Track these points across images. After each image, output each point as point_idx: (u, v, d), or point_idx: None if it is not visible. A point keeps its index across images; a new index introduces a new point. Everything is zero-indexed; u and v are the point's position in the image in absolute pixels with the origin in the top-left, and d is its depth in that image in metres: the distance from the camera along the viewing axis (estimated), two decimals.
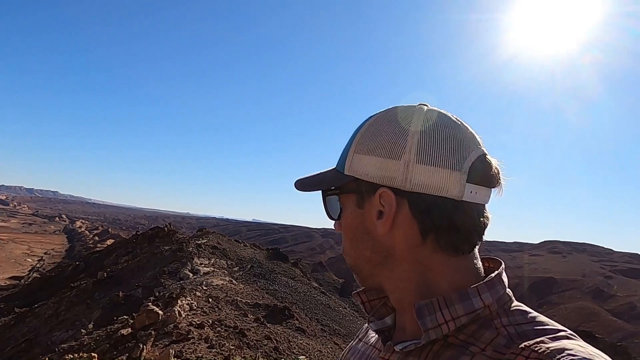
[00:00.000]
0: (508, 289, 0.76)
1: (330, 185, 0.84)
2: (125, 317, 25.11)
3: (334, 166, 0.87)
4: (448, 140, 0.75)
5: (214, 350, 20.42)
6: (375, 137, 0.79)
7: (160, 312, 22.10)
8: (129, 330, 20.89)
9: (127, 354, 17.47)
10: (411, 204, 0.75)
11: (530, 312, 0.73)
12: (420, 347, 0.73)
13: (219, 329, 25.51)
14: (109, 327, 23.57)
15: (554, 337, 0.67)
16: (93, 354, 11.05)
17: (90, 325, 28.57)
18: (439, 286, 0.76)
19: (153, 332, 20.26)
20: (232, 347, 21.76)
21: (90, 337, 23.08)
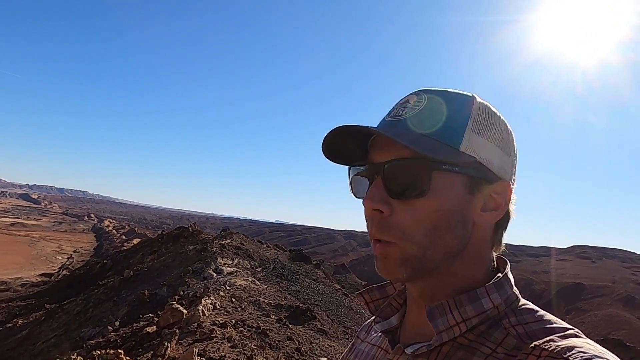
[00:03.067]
0: (515, 288, 0.76)
1: (446, 157, 0.71)
2: (150, 315, 25.60)
3: (421, 132, 0.73)
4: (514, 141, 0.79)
5: (236, 349, 20.63)
6: (492, 125, 0.76)
7: (184, 310, 22.43)
8: (154, 328, 21.29)
9: (152, 352, 17.78)
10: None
11: (537, 311, 0.73)
12: (430, 349, 0.72)
13: (241, 328, 25.76)
14: (135, 324, 24.07)
15: (563, 335, 0.67)
16: (119, 351, 11.28)
17: (117, 323, 29.24)
18: (477, 281, 0.75)
19: (177, 331, 20.60)
20: (255, 347, 21.94)
21: (116, 334, 23.60)
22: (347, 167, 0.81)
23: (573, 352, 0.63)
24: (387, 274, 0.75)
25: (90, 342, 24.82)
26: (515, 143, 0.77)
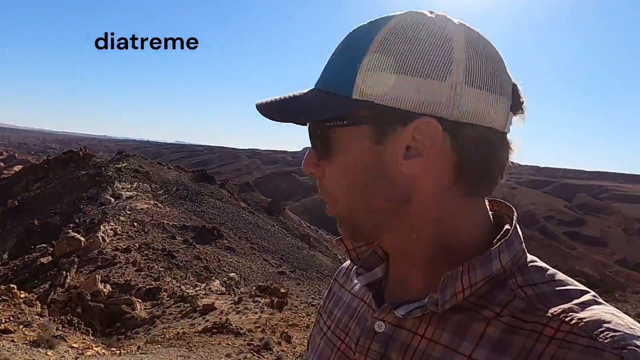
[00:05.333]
0: (523, 243, 0.66)
1: (331, 113, 0.62)
2: (43, 245, 24.13)
3: (317, 86, 0.67)
4: (493, 58, 0.62)
5: (142, 273, 20.51)
6: (407, 49, 0.60)
7: (82, 238, 21.51)
8: (49, 258, 20.28)
9: (49, 282, 17.05)
10: (455, 137, 0.60)
11: (547, 269, 0.63)
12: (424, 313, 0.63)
13: (146, 252, 25.50)
14: (27, 256, 22.69)
15: (582, 303, 0.57)
16: (12, 285, 10.61)
17: (5, 256, 27.18)
18: (460, 235, 0.64)
19: (76, 259, 19.88)
20: (162, 269, 22.00)
21: (5, 268, 22.16)
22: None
23: (601, 328, 0.53)
24: (340, 232, 0.71)
25: None
26: (468, 53, 0.60)
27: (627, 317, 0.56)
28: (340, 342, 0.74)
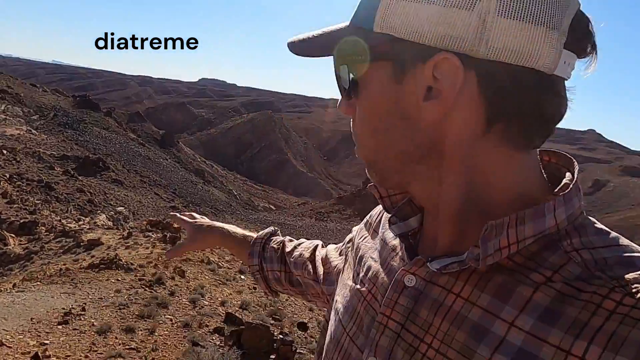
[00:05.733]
0: (582, 200, 0.58)
1: (351, 50, 0.57)
2: None
3: (351, 19, 0.60)
4: None
5: (15, 205, 18.73)
6: None
7: None
8: None
9: None
10: (483, 78, 0.52)
11: (609, 232, 0.55)
12: (462, 268, 0.56)
13: (19, 183, 23.24)
14: None
15: None
16: None
17: None
18: (493, 191, 0.57)
19: None
20: (38, 202, 20.26)
21: None
22: None
23: None
24: (370, 177, 0.66)
25: None
26: None
27: None
28: (367, 292, 0.69)
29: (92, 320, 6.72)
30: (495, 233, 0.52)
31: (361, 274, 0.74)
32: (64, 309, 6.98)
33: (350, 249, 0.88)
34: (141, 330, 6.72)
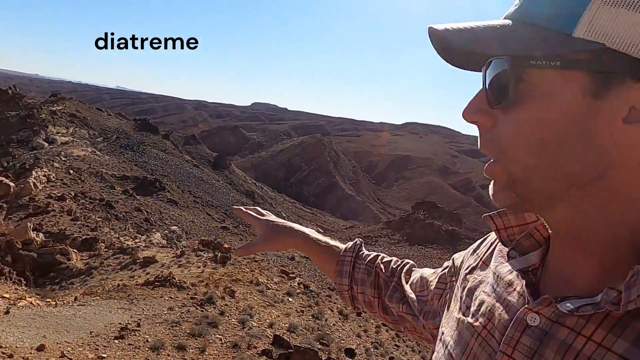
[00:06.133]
0: None
1: (541, 50, 0.50)
2: None
3: (514, 17, 0.55)
4: None
5: (78, 222, 19.74)
6: None
7: (11, 183, 20.29)
8: None
9: None
10: None
11: None
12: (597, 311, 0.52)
13: (82, 201, 24.53)
14: None
15: None
16: None
17: None
18: None
19: (4, 205, 18.76)
20: (99, 219, 21.27)
21: None
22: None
23: None
24: (492, 198, 0.59)
25: None
26: None
27: None
28: (482, 327, 0.66)
29: (147, 336, 6.91)
30: (637, 279, 0.49)
31: (472, 308, 0.70)
32: (120, 323, 7.23)
33: (452, 277, 0.86)
34: (192, 349, 6.84)
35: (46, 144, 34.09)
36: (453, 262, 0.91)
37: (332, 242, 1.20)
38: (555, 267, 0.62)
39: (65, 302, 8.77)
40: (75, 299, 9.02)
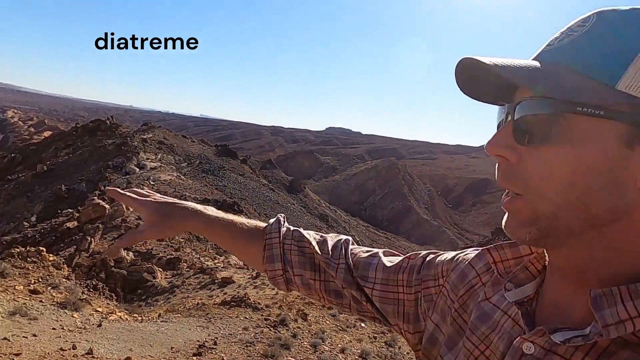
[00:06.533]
0: None
1: (586, 98, 0.53)
2: (70, 210, 24.82)
3: (553, 61, 0.57)
4: None
5: (164, 243, 20.96)
6: None
7: (106, 206, 22.04)
8: (75, 223, 20.88)
9: (74, 247, 17.58)
10: None
11: None
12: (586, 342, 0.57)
13: None
14: (53, 220, 23.39)
15: None
16: (41, 248, 10.96)
17: (33, 218, 28.08)
18: None
19: (100, 226, 20.42)
20: (182, 240, 22.44)
21: (34, 230, 22.93)
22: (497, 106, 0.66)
23: None
24: (510, 232, 0.61)
25: (6, 237, 23.81)
26: None
27: None
28: (479, 352, 0.71)
29: (222, 355, 7.13)
30: (609, 302, 0.53)
31: (467, 332, 0.74)
32: (198, 341, 7.52)
33: (426, 282, 0.87)
34: None
35: (137, 169, 36.88)
36: (426, 266, 0.91)
37: (238, 220, 1.08)
38: (550, 298, 0.65)
39: (149, 317, 9.31)
40: (159, 315, 9.54)
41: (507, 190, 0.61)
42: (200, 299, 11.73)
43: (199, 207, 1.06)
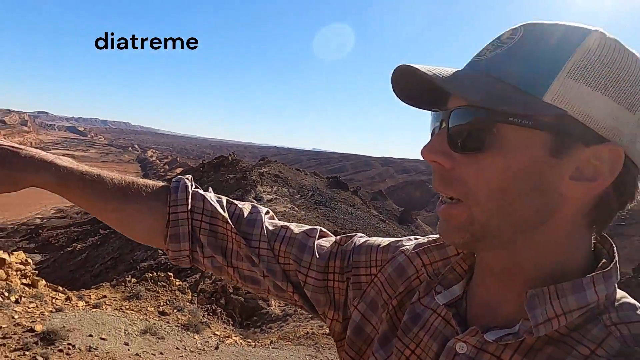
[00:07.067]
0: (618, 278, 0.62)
1: (517, 109, 0.56)
2: None
3: (485, 72, 0.59)
4: None
5: None
6: (610, 71, 0.56)
7: None
8: None
9: (199, 273, 19.04)
10: (622, 173, 0.58)
11: (638, 307, 0.60)
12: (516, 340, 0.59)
13: None
14: None
15: None
16: (169, 273, 12.08)
17: None
18: (569, 266, 0.61)
19: None
20: None
21: (166, 258, 25.29)
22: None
23: None
24: (444, 237, 0.64)
25: (143, 264, 26.71)
26: None
27: None
28: (410, 352, 0.71)
29: None
30: (540, 302, 0.57)
31: (398, 331, 0.74)
32: None
33: (362, 275, 0.84)
34: None
35: (255, 202, 39.14)
36: (356, 251, 0.87)
37: (111, 176, 0.88)
38: (480, 298, 0.68)
39: (262, 343, 9.69)
40: (271, 342, 9.89)
41: (442, 196, 0.62)
42: (311, 329, 11.90)
43: (52, 156, 0.85)
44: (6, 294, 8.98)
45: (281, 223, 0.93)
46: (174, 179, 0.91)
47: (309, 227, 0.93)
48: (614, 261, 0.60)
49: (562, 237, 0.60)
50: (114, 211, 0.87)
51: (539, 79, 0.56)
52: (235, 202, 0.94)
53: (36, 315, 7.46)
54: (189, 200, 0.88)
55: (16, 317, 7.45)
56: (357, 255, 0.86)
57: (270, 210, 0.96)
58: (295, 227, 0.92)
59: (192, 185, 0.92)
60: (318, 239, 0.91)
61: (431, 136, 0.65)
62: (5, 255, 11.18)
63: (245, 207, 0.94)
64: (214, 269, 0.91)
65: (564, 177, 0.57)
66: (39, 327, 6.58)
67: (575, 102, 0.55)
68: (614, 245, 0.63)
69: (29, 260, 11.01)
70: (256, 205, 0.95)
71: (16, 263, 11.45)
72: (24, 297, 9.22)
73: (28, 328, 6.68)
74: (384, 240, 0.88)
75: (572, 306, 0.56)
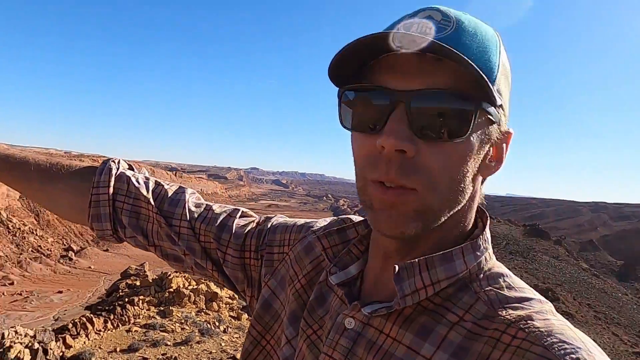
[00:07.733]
0: (490, 247, 0.66)
1: (490, 94, 0.56)
2: None
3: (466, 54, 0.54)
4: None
5: None
6: (508, 66, 0.62)
7: None
8: None
9: None
10: None
11: (509, 275, 0.64)
12: (390, 312, 0.62)
13: None
14: None
15: (539, 312, 0.57)
16: None
17: None
18: (456, 237, 0.65)
19: None
20: None
21: None
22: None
23: (555, 340, 0.52)
24: (392, 228, 0.58)
25: None
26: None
27: (579, 331, 0.55)
28: (312, 331, 0.73)
29: None
30: (408, 274, 0.60)
31: (304, 311, 0.77)
32: None
33: (275, 253, 0.87)
34: None
35: None
36: (272, 230, 0.89)
37: (42, 161, 0.92)
38: (374, 277, 0.70)
39: None
40: None
41: (388, 185, 0.57)
42: None
43: None
44: (217, 324, 10.24)
45: (206, 203, 0.95)
46: (102, 161, 0.96)
47: (233, 207, 0.95)
48: (484, 232, 0.65)
49: (465, 215, 0.64)
50: (38, 190, 0.93)
51: (492, 67, 0.57)
52: (163, 183, 0.97)
53: (238, 345, 8.28)
54: (112, 182, 0.92)
55: (223, 344, 8.37)
56: (272, 234, 0.89)
57: (196, 192, 0.98)
58: (218, 208, 0.94)
59: (118, 168, 0.95)
60: (239, 218, 0.92)
61: (343, 116, 0.61)
62: (218, 290, 12.88)
63: (172, 187, 0.97)
64: (138, 246, 0.95)
65: (490, 161, 0.63)
66: (239, 356, 7.26)
67: (504, 93, 0.60)
68: (489, 217, 0.67)
69: (236, 295, 12.34)
70: (184, 186, 0.97)
71: (226, 297, 13.05)
72: (230, 327, 10.39)
73: (231, 356, 7.44)
74: (300, 221, 0.90)
75: (440, 276, 0.59)
